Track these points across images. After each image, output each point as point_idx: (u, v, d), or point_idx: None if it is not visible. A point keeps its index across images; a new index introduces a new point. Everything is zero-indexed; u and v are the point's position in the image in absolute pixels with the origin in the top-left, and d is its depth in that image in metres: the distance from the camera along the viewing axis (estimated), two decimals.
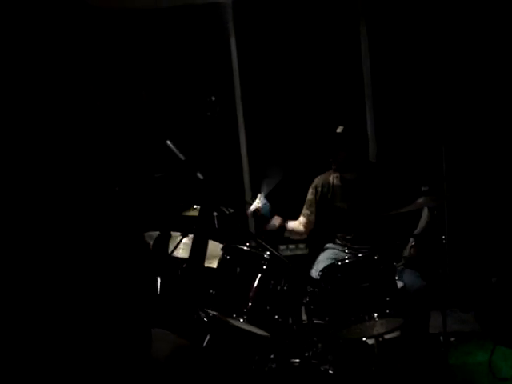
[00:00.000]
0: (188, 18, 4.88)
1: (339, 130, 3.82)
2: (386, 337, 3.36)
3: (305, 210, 4.07)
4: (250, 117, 5.11)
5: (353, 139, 3.85)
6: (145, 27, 4.84)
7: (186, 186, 3.04)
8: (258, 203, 3.85)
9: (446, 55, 4.83)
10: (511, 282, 3.77)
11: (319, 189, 4.01)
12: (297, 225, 4.04)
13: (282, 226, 3.93)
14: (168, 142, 2.91)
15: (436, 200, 3.53)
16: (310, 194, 4.05)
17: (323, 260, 3.77)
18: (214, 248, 3.38)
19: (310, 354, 3.18)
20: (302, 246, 4.57)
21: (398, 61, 4.93)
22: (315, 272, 3.59)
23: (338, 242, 3.93)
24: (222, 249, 3.25)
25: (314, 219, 4.03)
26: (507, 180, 4.69)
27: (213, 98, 3.12)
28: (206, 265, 3.37)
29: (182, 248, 3.72)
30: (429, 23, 4.82)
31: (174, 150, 2.90)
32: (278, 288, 3.13)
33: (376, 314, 3.07)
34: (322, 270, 3.29)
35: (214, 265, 3.28)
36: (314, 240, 4.14)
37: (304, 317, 3.29)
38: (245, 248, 3.23)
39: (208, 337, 3.29)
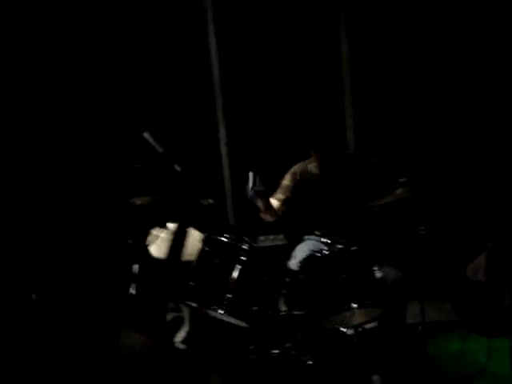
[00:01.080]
0: (165, 4, 4.83)
1: (322, 131, 3.81)
2: (365, 327, 3.39)
3: (278, 195, 3.98)
4: (229, 107, 5.09)
5: (336, 139, 3.86)
6: (119, 12, 4.77)
7: (163, 177, 3.04)
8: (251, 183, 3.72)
9: (423, 50, 4.86)
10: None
11: (297, 176, 3.98)
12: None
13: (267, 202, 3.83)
14: (145, 133, 2.89)
15: (414, 191, 3.55)
16: (286, 180, 4.00)
17: (301, 251, 3.75)
18: (193, 241, 3.38)
19: (290, 344, 3.20)
20: (281, 236, 4.58)
21: (376, 53, 4.95)
22: (294, 263, 3.59)
23: (317, 233, 3.93)
24: (202, 240, 3.24)
25: (286, 206, 4.01)
26: (485, 170, 4.73)
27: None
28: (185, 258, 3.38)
29: (157, 244, 3.68)
30: (406, 19, 4.84)
31: (152, 141, 2.88)
32: (258, 279, 3.14)
33: (355, 305, 3.09)
34: (301, 262, 3.30)
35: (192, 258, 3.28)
36: (293, 231, 4.14)
37: (283, 308, 3.31)
38: (224, 239, 3.23)
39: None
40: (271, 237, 4.56)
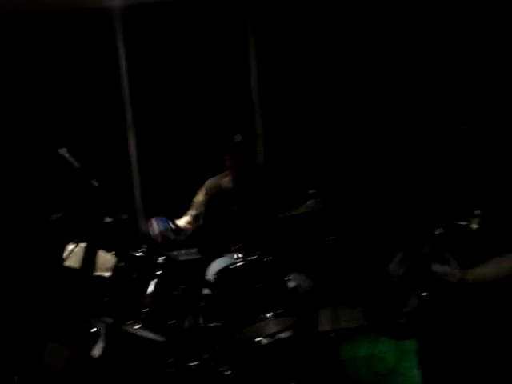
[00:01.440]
0: (75, 22, 4.76)
1: (238, 139, 3.85)
2: (280, 336, 3.46)
3: (191, 211, 4.02)
4: (139, 121, 5.06)
5: (251, 148, 3.92)
6: (31, 29, 4.69)
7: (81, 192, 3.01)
8: (157, 227, 3.73)
9: (331, 59, 5.01)
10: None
11: (210, 191, 4.01)
12: (184, 224, 4.02)
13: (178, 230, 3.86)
14: (61, 149, 2.86)
15: (323, 202, 3.65)
16: (199, 196, 4.03)
17: (217, 265, 3.79)
18: (106, 257, 3.35)
19: (208, 356, 3.22)
20: (194, 250, 4.59)
21: (285, 66, 5.06)
22: (209, 276, 3.62)
23: (231, 247, 3.96)
24: (116, 255, 3.22)
25: (199, 221, 4.02)
26: (391, 180, 4.90)
27: None
28: (99, 274, 3.34)
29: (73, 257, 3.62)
30: (314, 31, 5.00)
31: (68, 157, 2.86)
32: (174, 293, 3.15)
33: (269, 314, 3.15)
34: (217, 274, 3.34)
35: (106, 274, 3.24)
36: (207, 245, 4.17)
37: (200, 320, 3.33)
38: (138, 254, 3.22)
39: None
40: (183, 251, 4.56)
